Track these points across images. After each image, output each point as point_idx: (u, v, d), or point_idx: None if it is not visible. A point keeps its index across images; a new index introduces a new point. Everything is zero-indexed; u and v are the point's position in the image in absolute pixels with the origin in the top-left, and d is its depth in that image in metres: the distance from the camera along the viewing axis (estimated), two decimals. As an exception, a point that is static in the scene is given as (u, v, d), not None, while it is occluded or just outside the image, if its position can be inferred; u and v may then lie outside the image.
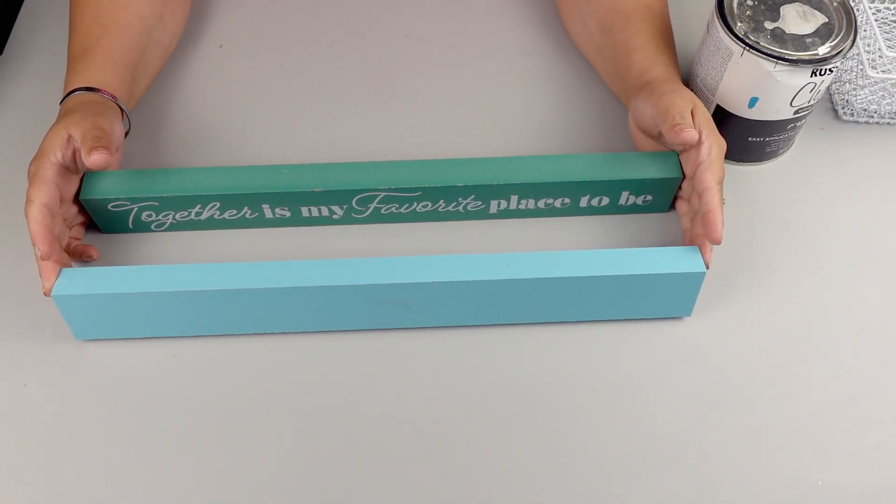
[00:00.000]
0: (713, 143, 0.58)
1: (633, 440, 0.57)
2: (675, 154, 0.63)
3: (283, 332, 0.60)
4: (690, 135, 0.57)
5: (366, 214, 0.65)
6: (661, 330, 0.61)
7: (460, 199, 0.64)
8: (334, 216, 0.65)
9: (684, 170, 0.62)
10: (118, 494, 0.54)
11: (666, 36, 0.68)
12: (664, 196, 0.65)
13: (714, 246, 0.58)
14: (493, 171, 0.63)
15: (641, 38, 0.66)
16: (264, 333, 0.60)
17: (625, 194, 0.64)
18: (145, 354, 0.59)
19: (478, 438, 0.57)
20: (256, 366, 0.59)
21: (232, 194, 0.62)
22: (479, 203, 0.64)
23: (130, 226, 0.64)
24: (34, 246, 0.56)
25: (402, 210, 0.64)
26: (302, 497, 0.54)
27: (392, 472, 0.55)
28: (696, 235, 0.60)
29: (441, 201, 0.64)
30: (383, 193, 0.62)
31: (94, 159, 0.56)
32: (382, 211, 0.64)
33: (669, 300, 0.60)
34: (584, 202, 0.65)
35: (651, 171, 0.63)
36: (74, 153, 0.59)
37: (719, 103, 0.65)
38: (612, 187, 0.63)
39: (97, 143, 0.57)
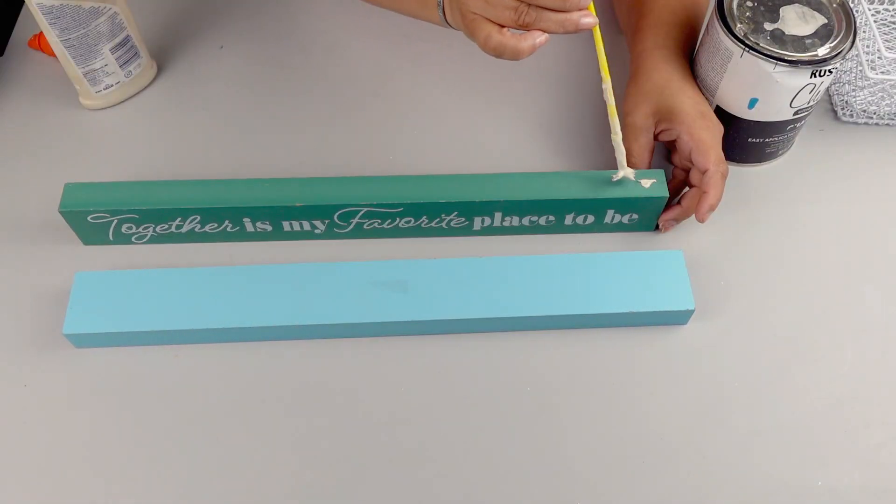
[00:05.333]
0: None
1: (634, 441, 0.57)
2: (662, 173, 0.63)
3: (284, 340, 0.60)
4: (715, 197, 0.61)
5: (348, 230, 0.64)
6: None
7: (443, 215, 0.63)
8: (316, 231, 0.64)
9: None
10: (118, 494, 0.54)
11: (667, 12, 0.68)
12: (650, 215, 0.64)
13: (713, 247, 0.57)
14: (476, 188, 0.62)
15: (647, 20, 0.68)
16: (266, 340, 0.60)
17: (610, 213, 0.64)
18: (146, 355, 0.59)
19: (480, 440, 0.57)
20: (258, 370, 0.59)
21: (212, 208, 0.61)
22: (463, 220, 0.63)
23: (111, 238, 0.63)
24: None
25: (384, 226, 0.63)
26: (302, 500, 0.54)
27: (392, 476, 0.55)
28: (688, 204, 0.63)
29: (424, 217, 0.63)
30: (365, 209, 0.61)
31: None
32: (365, 226, 0.63)
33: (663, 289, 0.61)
34: (568, 220, 0.64)
35: (637, 190, 0.62)
36: None
37: (719, 104, 0.65)
38: (596, 205, 0.63)
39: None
